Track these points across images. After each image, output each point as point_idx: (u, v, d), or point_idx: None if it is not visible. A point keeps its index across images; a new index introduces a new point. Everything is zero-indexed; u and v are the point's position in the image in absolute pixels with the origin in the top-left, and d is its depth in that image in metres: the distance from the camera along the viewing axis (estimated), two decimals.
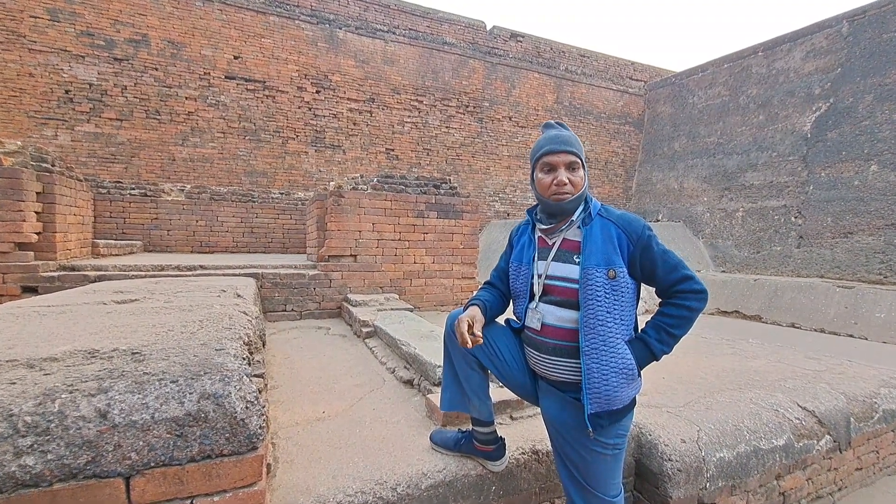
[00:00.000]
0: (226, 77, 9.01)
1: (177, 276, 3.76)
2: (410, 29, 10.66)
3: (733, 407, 2.37)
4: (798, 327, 7.61)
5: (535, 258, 1.44)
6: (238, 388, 1.11)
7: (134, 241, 6.09)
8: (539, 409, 1.93)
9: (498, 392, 2.09)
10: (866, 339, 6.72)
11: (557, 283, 1.38)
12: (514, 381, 1.52)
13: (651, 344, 1.32)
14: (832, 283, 7.88)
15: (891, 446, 2.77)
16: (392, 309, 3.88)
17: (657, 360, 1.34)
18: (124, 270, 3.68)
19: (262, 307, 3.97)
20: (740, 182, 11.53)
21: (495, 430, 1.63)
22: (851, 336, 6.92)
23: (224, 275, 3.88)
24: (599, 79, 13.41)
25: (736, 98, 12.11)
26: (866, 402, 2.68)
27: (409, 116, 10.72)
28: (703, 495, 1.97)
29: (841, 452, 2.49)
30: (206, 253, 6.66)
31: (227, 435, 1.04)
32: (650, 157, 14.14)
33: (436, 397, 2.02)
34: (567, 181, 1.30)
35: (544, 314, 1.39)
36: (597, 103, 13.38)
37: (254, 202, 7.02)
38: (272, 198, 7.23)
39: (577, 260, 1.34)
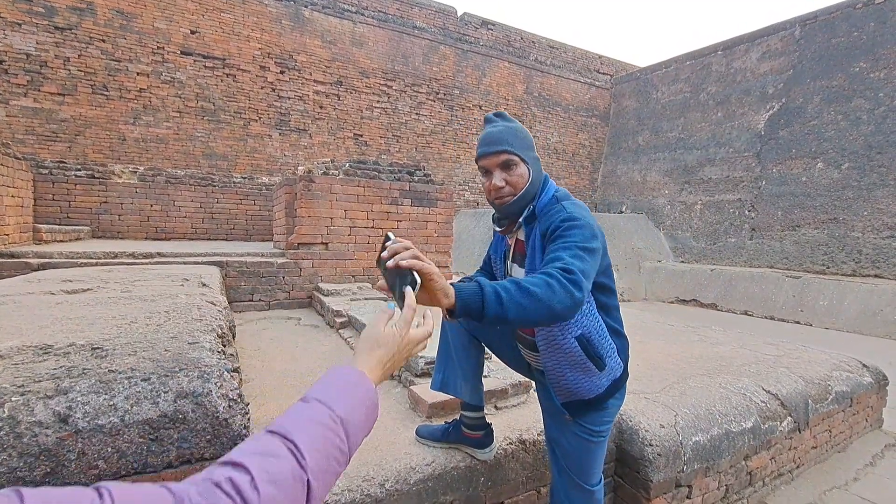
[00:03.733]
0: (182, 52, 8.46)
1: (132, 264, 3.50)
2: (380, 11, 10.35)
3: (705, 392, 2.44)
4: (751, 314, 8.04)
5: (507, 256, 1.45)
6: (219, 384, 1.02)
7: (81, 227, 5.65)
8: (523, 399, 1.92)
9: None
10: (811, 325, 7.18)
11: None
12: (514, 361, 1.55)
13: (481, 280, 1.00)
14: (781, 273, 8.36)
15: (841, 425, 2.95)
16: (366, 298, 3.78)
17: (487, 301, 0.93)
18: (72, 258, 3.39)
19: (228, 297, 3.78)
20: (699, 176, 12.00)
21: (484, 416, 1.61)
22: (798, 322, 7.38)
23: (185, 263, 3.65)
24: (568, 71, 13.54)
25: (697, 95, 12.55)
26: (821, 384, 2.83)
27: (378, 101, 10.46)
28: (680, 478, 2.01)
29: (800, 432, 2.63)
30: (162, 240, 6.27)
31: (208, 437, 0.95)
32: (615, 149, 14.48)
33: (419, 389, 1.97)
34: (503, 183, 1.21)
35: None
36: (565, 95, 13.53)
37: (214, 186, 6.67)
38: (234, 182, 6.89)
39: (523, 261, 1.31)
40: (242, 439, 0.99)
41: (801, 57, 10.51)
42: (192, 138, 8.55)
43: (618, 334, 1.44)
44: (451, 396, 1.87)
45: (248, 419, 1.03)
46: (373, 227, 4.37)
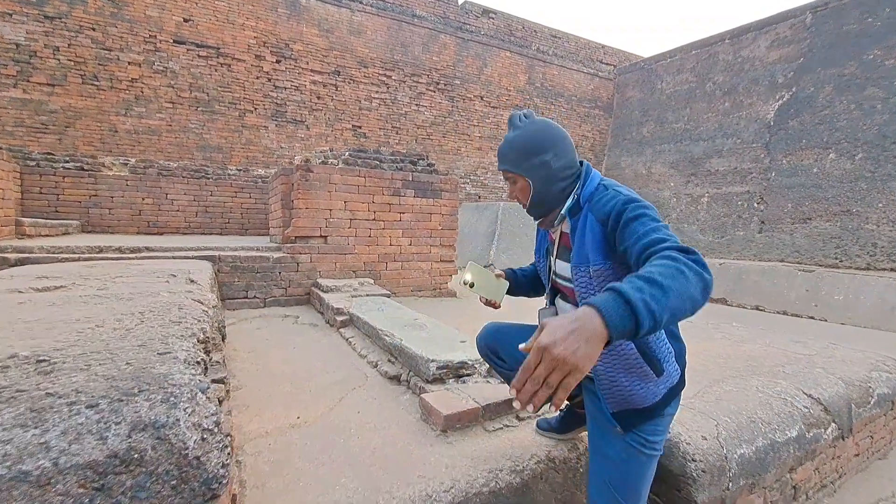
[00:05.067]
0: (174, 41, 8.18)
1: (118, 259, 3.27)
2: None
3: (743, 396, 2.22)
4: (762, 309, 7.83)
5: (551, 252, 1.39)
6: (189, 410, 0.79)
7: (69, 221, 5.41)
8: (547, 406, 1.75)
9: (499, 390, 1.84)
10: (826, 320, 6.97)
11: (561, 281, 1.33)
12: None
13: (620, 288, 0.75)
14: (793, 267, 8.14)
15: (882, 430, 2.74)
16: (368, 295, 3.56)
17: (639, 313, 0.72)
18: (53, 252, 3.16)
19: (221, 294, 3.55)
20: (706, 168, 11.75)
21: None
22: (812, 318, 7.17)
23: (174, 258, 3.42)
24: (571, 61, 13.25)
25: (703, 85, 12.27)
26: (862, 386, 2.62)
27: (377, 92, 10.19)
28: (725, 496, 1.80)
29: (844, 440, 2.41)
30: (154, 234, 6.04)
31: (173, 482, 0.72)
32: (619, 141, 14.22)
33: (431, 397, 1.75)
34: (511, 196, 1.29)
35: (560, 311, 1.38)
36: (568, 86, 13.25)
37: (208, 178, 6.42)
38: (229, 174, 6.64)
39: (570, 257, 1.25)
40: (221, 482, 0.76)
41: (811, 45, 10.24)
42: (186, 130, 8.29)
43: (675, 337, 1.25)
44: (469, 407, 1.65)
45: (229, 454, 0.80)
46: (374, 220, 4.14)
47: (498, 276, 1.50)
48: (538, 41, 12.52)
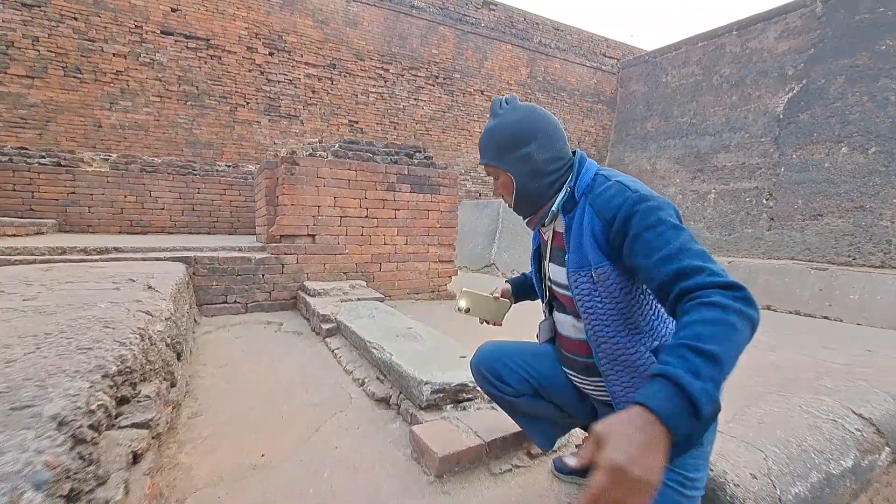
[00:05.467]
0: (162, 32, 7.84)
1: (81, 261, 2.96)
2: None
3: (787, 418, 1.91)
4: (773, 309, 7.52)
5: (543, 255, 1.21)
6: None
7: (44, 220, 5.10)
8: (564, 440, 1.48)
9: (506, 419, 1.53)
10: (841, 320, 6.66)
11: (557, 289, 1.15)
12: (560, 395, 1.24)
13: (679, 379, 0.63)
14: (805, 265, 7.83)
15: None
16: (359, 299, 3.25)
17: (702, 408, 0.61)
18: (7, 254, 2.84)
19: (197, 299, 3.24)
20: (713, 163, 11.43)
21: None
22: (827, 318, 6.86)
23: (144, 259, 3.11)
24: (573, 54, 12.92)
25: (710, 77, 11.94)
26: None
27: (374, 86, 9.86)
28: None
29: None
30: (137, 234, 5.72)
31: None
32: (623, 136, 13.88)
33: (425, 431, 1.44)
34: (496, 193, 1.17)
35: (559, 324, 1.19)
36: (570, 79, 12.92)
37: (195, 175, 6.11)
38: (217, 170, 6.32)
39: (565, 259, 1.08)
40: None
41: (822, 35, 9.91)
42: (175, 125, 7.96)
43: None
44: (470, 444, 1.35)
45: None
46: (366, 217, 3.83)
47: (497, 297, 1.36)
48: (540, 34, 12.19)
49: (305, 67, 9.10)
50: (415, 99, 10.38)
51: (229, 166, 6.50)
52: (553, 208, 1.07)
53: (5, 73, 6.83)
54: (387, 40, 9.95)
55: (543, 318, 1.29)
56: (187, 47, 8.04)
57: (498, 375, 1.26)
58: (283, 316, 3.39)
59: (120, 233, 5.66)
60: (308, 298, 3.25)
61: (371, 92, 9.83)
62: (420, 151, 4.20)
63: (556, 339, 1.22)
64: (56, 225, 5.27)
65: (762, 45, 10.81)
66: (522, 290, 1.41)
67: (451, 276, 4.29)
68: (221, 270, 3.31)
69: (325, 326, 2.77)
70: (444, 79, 10.75)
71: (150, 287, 2.07)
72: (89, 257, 3.07)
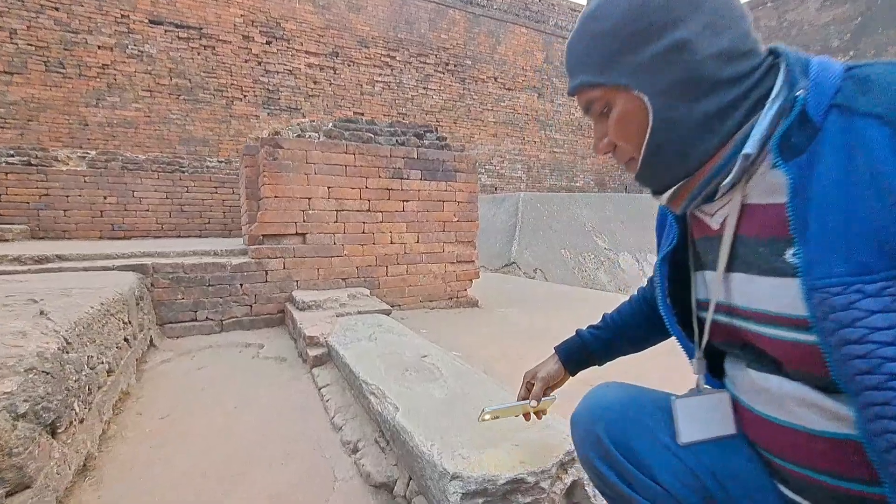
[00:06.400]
0: (150, 21, 7.29)
1: (8, 272, 2.33)
2: None
3: None
4: None
5: (704, 261, 0.63)
6: None
7: (13, 226, 4.54)
8: None
9: None
10: None
11: (756, 326, 0.54)
12: None
13: None
14: None
15: None
16: (359, 312, 2.57)
17: None
18: None
19: (157, 317, 2.60)
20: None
21: None
22: None
23: (87, 270, 2.47)
24: None
25: None
26: None
27: (379, 75, 9.20)
28: None
29: None
30: (119, 238, 5.15)
31: None
32: None
33: None
34: (606, 145, 0.60)
35: (762, 397, 0.57)
36: None
37: (183, 172, 5.51)
38: (207, 167, 5.73)
39: (794, 259, 0.47)
40: None
41: (870, 3, 8.95)
42: (167, 121, 7.41)
43: None
44: None
45: None
46: (368, 210, 3.15)
47: (534, 408, 0.91)
48: (556, 15, 11.40)
49: (306, 56, 8.49)
50: (424, 88, 9.70)
51: (221, 162, 5.91)
52: (746, 151, 0.50)
53: None
54: (393, 25, 9.29)
55: (696, 385, 0.68)
56: (178, 37, 7.47)
57: (633, 455, 0.67)
58: (266, 335, 2.73)
59: (100, 238, 5.09)
60: (295, 313, 2.58)
61: (377, 81, 9.18)
62: (431, 131, 3.51)
63: (747, 429, 0.61)
64: (27, 231, 4.71)
65: (801, 17, 9.88)
66: (593, 352, 0.92)
67: (471, 280, 3.59)
68: (188, 280, 2.66)
69: (313, 353, 2.09)
70: (455, 66, 10.05)
71: (42, 313, 1.41)
72: (22, 267, 2.44)
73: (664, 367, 1.84)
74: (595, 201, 9.55)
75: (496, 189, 10.61)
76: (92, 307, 1.64)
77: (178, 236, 5.48)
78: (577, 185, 12.15)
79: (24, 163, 4.84)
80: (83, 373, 1.33)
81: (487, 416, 0.92)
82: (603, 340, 0.91)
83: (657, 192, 0.61)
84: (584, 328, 0.94)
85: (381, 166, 3.16)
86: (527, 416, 0.93)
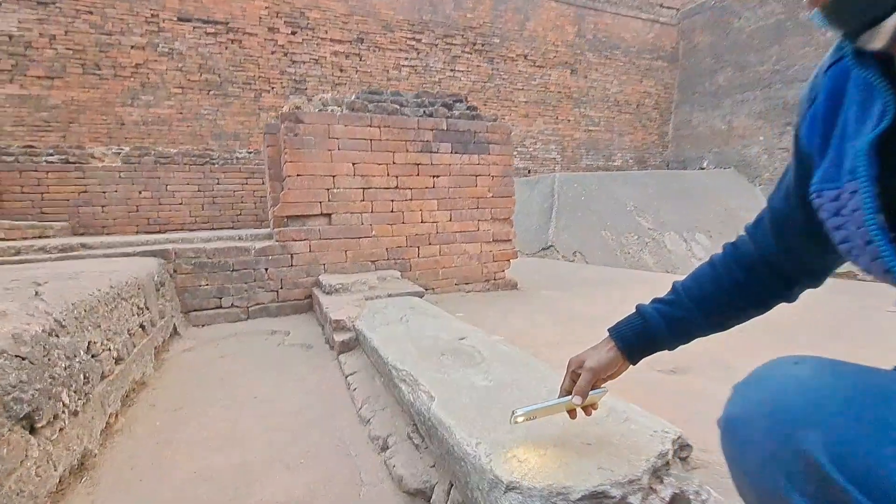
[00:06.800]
0: (179, 19, 7.33)
1: (29, 261, 2.27)
2: None
3: None
4: None
5: None
6: None
7: (55, 223, 4.62)
8: None
9: None
10: None
11: None
12: None
13: None
14: None
15: None
16: (389, 295, 2.37)
17: None
18: None
19: (182, 304, 2.49)
20: None
21: None
22: None
23: (107, 256, 2.38)
24: (626, 7, 11.39)
25: (794, 14, 10.07)
26: None
27: (406, 59, 8.97)
28: None
29: None
30: (155, 232, 5.18)
31: None
32: (688, 95, 12.20)
33: None
34: None
35: None
36: (624, 35, 11.42)
37: (213, 164, 5.49)
38: (237, 158, 5.69)
39: None
40: None
41: None
42: (199, 117, 7.47)
43: None
44: None
45: None
46: (396, 188, 2.93)
47: (571, 406, 0.74)
48: None
49: (331, 44, 8.36)
50: (451, 70, 9.39)
51: (250, 153, 5.86)
52: None
53: (25, 75, 6.54)
54: (417, 8, 9.01)
55: None
56: (206, 33, 7.49)
57: (882, 488, 0.34)
58: (293, 322, 2.58)
59: (137, 232, 5.14)
60: (321, 297, 2.40)
61: (403, 66, 8.95)
62: (461, 101, 3.25)
63: None
64: (69, 228, 4.80)
65: None
66: (659, 334, 0.71)
67: (509, 260, 3.33)
68: (211, 266, 2.53)
69: (339, 338, 1.90)
70: (483, 45, 9.67)
71: (36, 294, 1.27)
72: (45, 255, 2.38)
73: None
74: (636, 179, 9.01)
75: (529, 172, 10.20)
76: (98, 290, 1.50)
77: (212, 228, 5.48)
78: (615, 164, 11.56)
79: (63, 161, 4.93)
80: (77, 359, 1.17)
81: (520, 418, 0.74)
82: (674, 319, 0.69)
83: (853, 28, 0.35)
84: (648, 303, 0.74)
85: (409, 140, 2.93)
86: (571, 412, 0.75)
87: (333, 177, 2.76)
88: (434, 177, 3.02)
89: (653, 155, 12.06)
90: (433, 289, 3.04)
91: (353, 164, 2.80)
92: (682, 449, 0.85)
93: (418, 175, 2.97)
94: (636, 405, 0.97)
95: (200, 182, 5.42)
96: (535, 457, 0.76)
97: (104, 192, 5.03)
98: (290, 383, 1.70)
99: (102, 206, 5.04)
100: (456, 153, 3.06)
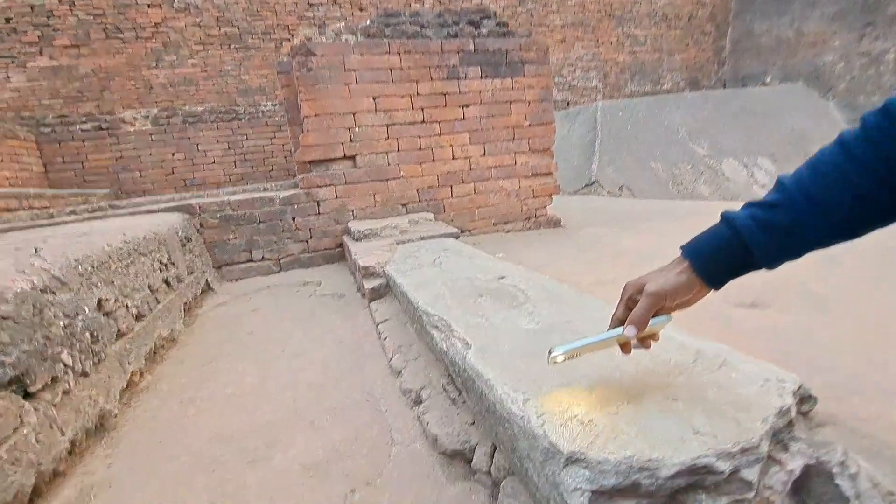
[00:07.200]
0: None
1: (51, 224, 2.25)
2: None
3: None
4: None
5: None
6: None
7: (98, 191, 4.73)
8: None
9: None
10: None
11: None
12: None
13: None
14: None
15: None
16: (422, 238, 2.19)
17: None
18: None
19: (213, 260, 2.43)
20: (891, 11, 8.27)
21: None
22: None
23: (132, 214, 2.33)
24: None
25: None
26: None
27: None
28: None
29: None
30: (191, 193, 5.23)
31: None
32: (749, 2, 10.72)
33: None
34: None
35: None
36: None
37: (240, 120, 5.40)
38: (263, 111, 5.55)
39: None
40: None
41: None
42: (223, 73, 7.30)
43: None
44: None
45: None
46: (423, 122, 2.67)
47: (624, 340, 0.60)
48: None
49: None
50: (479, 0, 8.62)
51: (275, 105, 5.69)
52: None
53: (52, 45, 6.55)
54: None
55: None
56: None
57: None
58: (325, 272, 2.48)
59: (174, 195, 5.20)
60: (350, 244, 2.27)
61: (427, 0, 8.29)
62: (489, 17, 2.87)
63: None
64: (112, 195, 4.91)
65: None
66: (755, 248, 0.51)
67: (551, 195, 3.05)
68: (237, 218, 2.44)
69: (369, 285, 1.76)
70: None
71: (36, 251, 1.18)
72: (72, 217, 2.36)
73: None
74: (689, 103, 8.15)
75: (568, 104, 9.48)
76: (109, 245, 1.40)
77: (245, 184, 5.46)
78: (664, 88, 10.52)
79: (96, 128, 4.97)
80: (81, 317, 1.08)
81: (560, 357, 0.60)
82: (779, 227, 0.50)
83: None
84: (740, 209, 0.54)
85: (433, 66, 2.62)
86: (624, 346, 0.61)
87: (354, 114, 2.53)
88: (463, 107, 2.72)
89: (707, 74, 10.86)
90: (469, 230, 2.84)
91: (374, 98, 2.55)
92: (804, 402, 0.63)
93: (446, 106, 2.69)
94: (735, 342, 0.75)
95: (230, 139, 5.36)
96: (604, 418, 0.58)
97: (139, 157, 5.08)
98: (320, 335, 1.59)
99: (140, 172, 5.10)
100: (486, 77, 2.73)
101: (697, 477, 0.49)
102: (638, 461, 0.49)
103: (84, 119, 5.00)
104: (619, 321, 0.60)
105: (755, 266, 0.52)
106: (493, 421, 0.71)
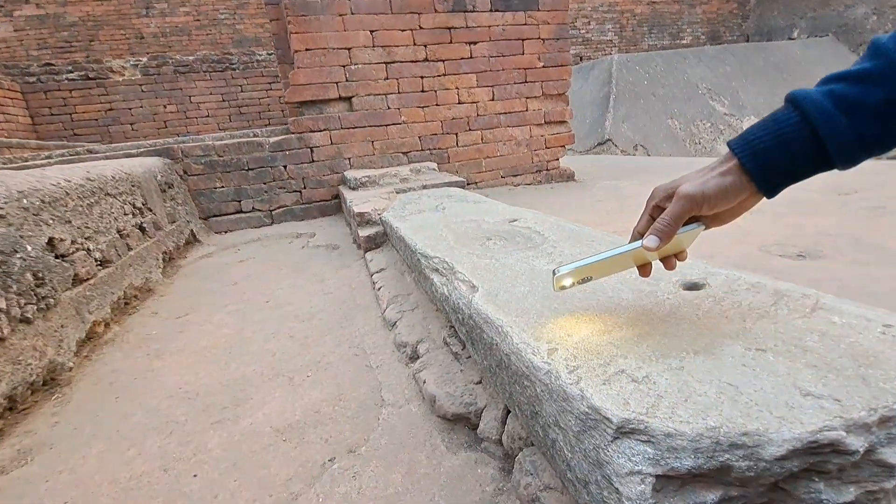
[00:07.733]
0: None
1: (20, 167, 2.07)
2: None
3: None
4: None
5: None
6: None
7: (87, 144, 4.52)
8: None
9: None
10: None
11: None
12: None
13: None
14: None
15: None
16: (424, 187, 2.01)
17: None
18: None
19: (199, 209, 2.26)
20: None
21: None
22: None
23: (108, 157, 2.15)
24: None
25: None
26: None
27: None
28: None
29: None
30: None
31: None
32: None
33: None
34: None
35: None
36: None
37: (234, 69, 5.10)
38: (258, 61, 5.24)
39: None
40: None
41: None
42: (217, 22, 6.90)
43: None
44: None
45: None
46: (425, 60, 2.42)
47: (643, 259, 0.48)
48: None
49: None
50: None
51: (270, 54, 5.37)
52: None
53: None
54: None
55: None
56: None
57: None
58: (320, 224, 2.31)
59: None
60: (346, 193, 2.08)
61: None
62: None
63: None
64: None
65: None
66: (833, 138, 0.36)
67: (564, 146, 2.82)
68: (224, 164, 2.25)
69: (365, 233, 1.59)
70: None
71: None
72: (44, 161, 2.19)
73: None
74: (710, 56, 7.67)
75: (582, 59, 8.98)
76: (68, 180, 1.23)
77: None
78: (684, 42, 9.94)
79: (83, 77, 4.71)
80: (20, 255, 0.92)
81: (568, 280, 0.49)
82: (870, 109, 0.35)
83: None
84: (815, 86, 0.39)
85: None
86: (643, 269, 0.49)
87: (349, 49, 2.29)
88: (471, 43, 2.46)
89: (730, 28, 10.22)
90: (476, 182, 2.64)
91: (371, 31, 2.30)
92: None
93: (451, 42, 2.43)
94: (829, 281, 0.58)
95: (224, 91, 5.09)
96: (666, 373, 0.41)
97: (130, 109, 4.84)
98: (308, 285, 1.44)
99: (131, 125, 4.87)
100: (496, 10, 2.46)
101: (818, 458, 0.33)
102: (728, 435, 0.33)
103: (70, 68, 4.74)
104: (639, 235, 0.46)
105: (826, 165, 0.38)
106: (506, 378, 0.55)
